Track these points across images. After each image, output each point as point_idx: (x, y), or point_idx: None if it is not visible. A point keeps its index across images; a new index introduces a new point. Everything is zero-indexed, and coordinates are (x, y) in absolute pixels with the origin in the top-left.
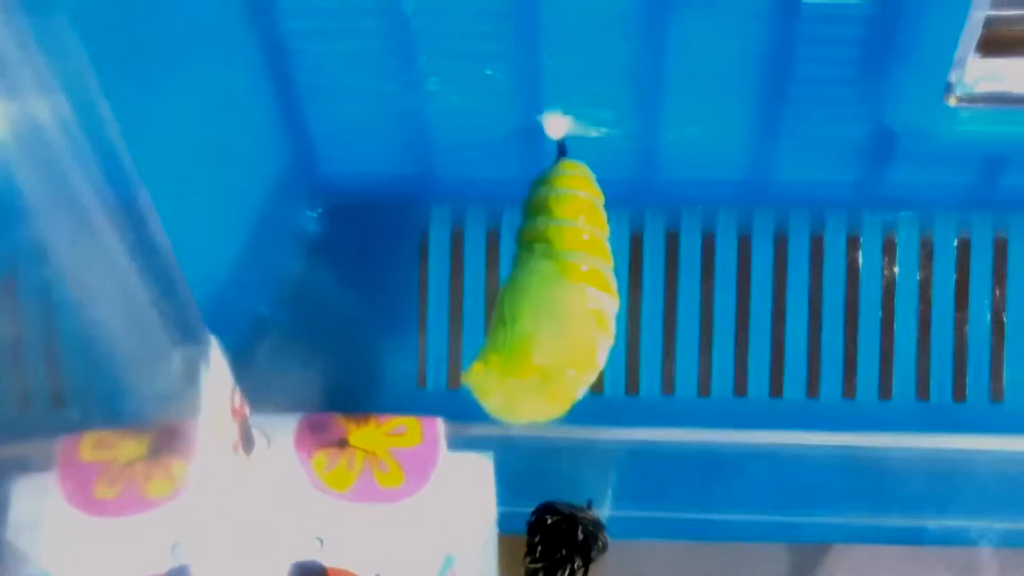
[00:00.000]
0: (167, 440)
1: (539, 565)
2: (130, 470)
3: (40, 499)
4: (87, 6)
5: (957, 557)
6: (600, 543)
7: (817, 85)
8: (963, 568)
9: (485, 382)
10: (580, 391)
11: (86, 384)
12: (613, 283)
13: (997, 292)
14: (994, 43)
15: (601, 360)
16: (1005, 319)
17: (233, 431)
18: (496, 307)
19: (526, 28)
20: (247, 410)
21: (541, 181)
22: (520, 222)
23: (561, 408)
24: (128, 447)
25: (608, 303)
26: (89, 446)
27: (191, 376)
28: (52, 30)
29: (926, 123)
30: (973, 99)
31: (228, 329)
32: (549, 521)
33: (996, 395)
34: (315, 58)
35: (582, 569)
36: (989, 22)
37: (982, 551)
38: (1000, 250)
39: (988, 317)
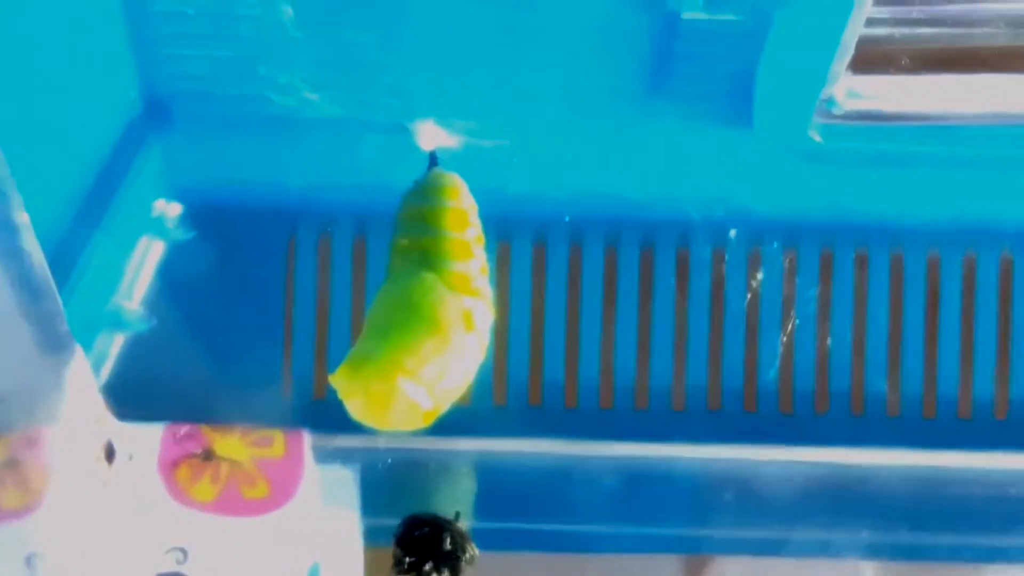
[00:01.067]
0: (24, 449)
1: None
2: None
3: None
4: None
5: (838, 569)
6: (468, 555)
7: (688, 101)
8: None
9: (352, 386)
10: (449, 401)
11: None
12: (488, 293)
13: (858, 308)
14: (865, 61)
15: (472, 370)
16: (866, 335)
17: (95, 441)
18: (369, 314)
19: (399, 39)
20: (110, 419)
21: (415, 192)
22: (394, 232)
23: (429, 417)
24: None
25: (483, 313)
26: None
27: (55, 384)
28: None
29: (791, 138)
30: (841, 116)
31: (90, 335)
32: (416, 533)
33: (857, 409)
34: (186, 63)
35: None
36: (862, 41)
37: (860, 564)
38: (861, 267)
39: (849, 333)
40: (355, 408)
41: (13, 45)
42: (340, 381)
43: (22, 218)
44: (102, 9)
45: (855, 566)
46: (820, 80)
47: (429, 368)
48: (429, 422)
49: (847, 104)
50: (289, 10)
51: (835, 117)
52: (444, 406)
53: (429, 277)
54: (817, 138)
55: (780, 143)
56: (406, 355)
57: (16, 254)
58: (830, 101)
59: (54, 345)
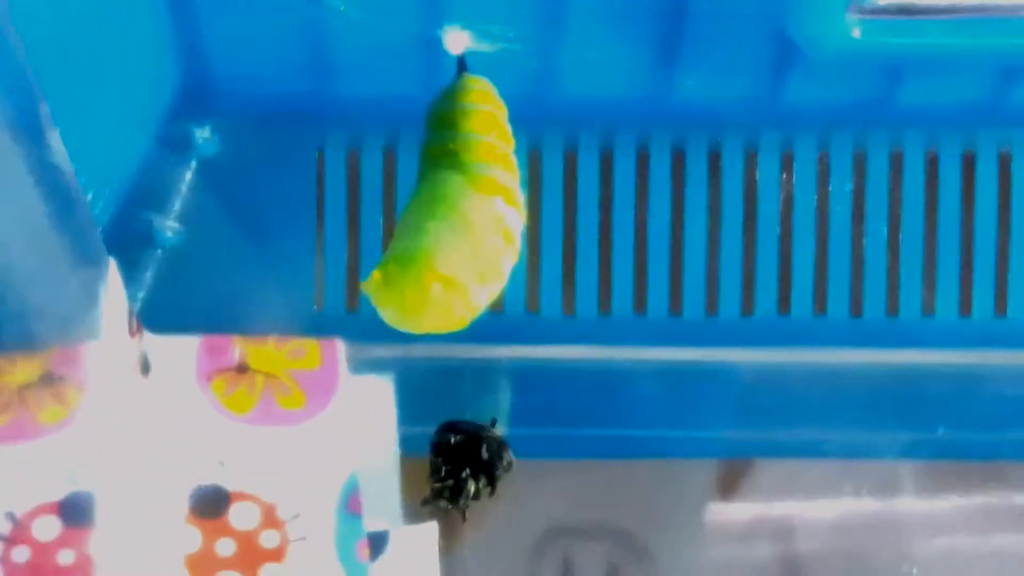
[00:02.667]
0: (61, 364)
1: (444, 484)
2: (21, 396)
3: None
4: None
5: (877, 470)
6: (505, 462)
7: (719, 1)
8: (883, 480)
9: (385, 292)
10: (483, 303)
11: None
12: (520, 197)
13: (893, 207)
14: None
15: (506, 273)
16: (901, 235)
17: (130, 354)
18: (400, 219)
19: None
20: (144, 332)
21: (444, 96)
22: (424, 138)
23: (463, 320)
24: (19, 372)
25: (514, 217)
26: None
27: (89, 298)
28: None
29: (828, 35)
30: (876, 11)
31: (122, 250)
32: (452, 440)
33: (892, 309)
34: None
35: (488, 488)
36: None
37: (899, 464)
38: (896, 165)
39: (885, 232)
40: (388, 314)
41: None
42: (372, 287)
43: (52, 133)
44: None
45: (893, 467)
46: None
47: (462, 271)
48: (464, 325)
49: None
50: None
51: (870, 12)
52: (479, 309)
53: (459, 180)
54: (856, 34)
55: (813, 42)
56: (439, 259)
57: (47, 169)
58: None
59: (87, 259)
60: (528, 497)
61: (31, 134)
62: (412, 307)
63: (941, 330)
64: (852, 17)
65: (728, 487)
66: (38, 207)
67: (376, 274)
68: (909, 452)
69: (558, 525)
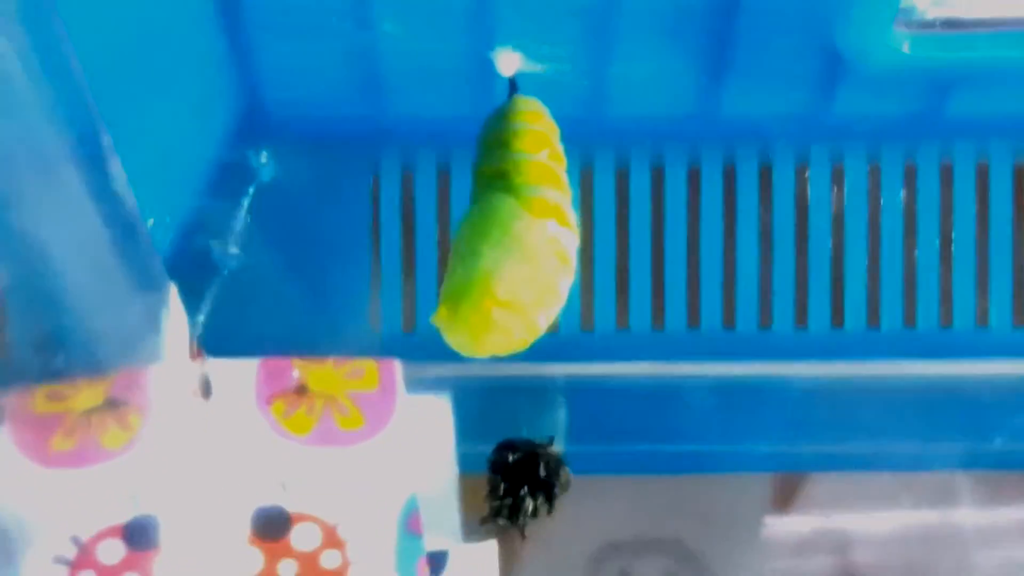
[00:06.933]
0: (123, 389)
1: (502, 503)
2: (86, 420)
3: None
4: None
5: (934, 481)
6: (563, 479)
7: (766, 15)
8: (940, 491)
9: (453, 322)
10: (543, 325)
11: (48, 333)
12: (573, 217)
13: (944, 218)
14: None
15: (563, 294)
16: (953, 246)
17: (192, 377)
18: (454, 244)
19: None
20: (204, 356)
21: (497, 116)
22: (476, 158)
23: (524, 342)
24: (83, 397)
25: (568, 238)
26: (41, 399)
27: (152, 322)
28: None
29: (877, 50)
30: (924, 25)
31: (181, 274)
32: (510, 459)
33: (945, 320)
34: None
35: (546, 506)
36: None
37: (956, 475)
38: (946, 176)
39: (937, 244)
40: (456, 342)
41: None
42: (442, 320)
43: (113, 162)
44: None
45: (950, 479)
46: None
47: (521, 294)
48: (526, 346)
49: (930, 12)
50: None
51: (918, 26)
52: (539, 330)
53: (511, 203)
54: (905, 48)
55: (862, 56)
56: (497, 284)
57: (108, 197)
58: (911, 10)
59: (149, 285)
60: (586, 514)
61: (93, 163)
62: (476, 333)
63: (995, 340)
64: (900, 31)
65: (784, 501)
66: (100, 234)
67: (443, 308)
68: (966, 463)
69: (616, 541)
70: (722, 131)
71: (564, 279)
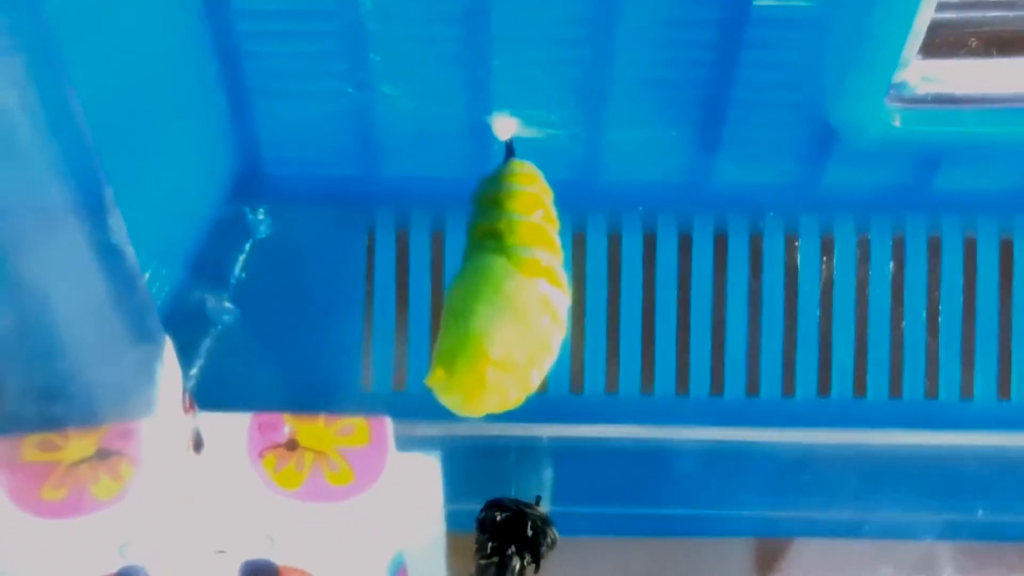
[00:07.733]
0: (115, 440)
1: (489, 561)
2: (76, 471)
3: None
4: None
5: (916, 550)
6: (549, 539)
7: (760, 89)
8: (922, 561)
9: (449, 384)
10: (536, 381)
11: (43, 382)
12: (564, 278)
13: (932, 290)
14: (936, 45)
15: (555, 349)
16: (940, 318)
17: (184, 430)
18: (446, 302)
19: (477, 32)
20: (197, 409)
21: (492, 177)
22: (470, 218)
23: (518, 400)
24: (74, 447)
25: (559, 297)
26: (31, 448)
27: (146, 374)
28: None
29: (869, 123)
30: (915, 100)
31: (176, 327)
32: (498, 518)
33: (931, 391)
34: (266, 60)
35: (532, 565)
36: (933, 25)
37: (938, 545)
38: (934, 249)
39: (924, 315)
40: (451, 402)
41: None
42: (437, 382)
43: (114, 215)
44: (185, 9)
45: (931, 548)
46: (892, 64)
47: (514, 352)
48: (520, 403)
49: (921, 88)
50: (368, 3)
51: (909, 101)
52: (532, 387)
53: (502, 263)
54: (896, 122)
55: (854, 129)
56: (490, 343)
57: (107, 249)
58: (902, 85)
59: (144, 337)
60: (572, 574)
61: (94, 216)
62: (471, 394)
63: (980, 412)
64: (891, 105)
65: (767, 565)
66: (98, 286)
67: (438, 370)
68: (948, 533)
69: None
70: (714, 199)
71: (556, 336)
